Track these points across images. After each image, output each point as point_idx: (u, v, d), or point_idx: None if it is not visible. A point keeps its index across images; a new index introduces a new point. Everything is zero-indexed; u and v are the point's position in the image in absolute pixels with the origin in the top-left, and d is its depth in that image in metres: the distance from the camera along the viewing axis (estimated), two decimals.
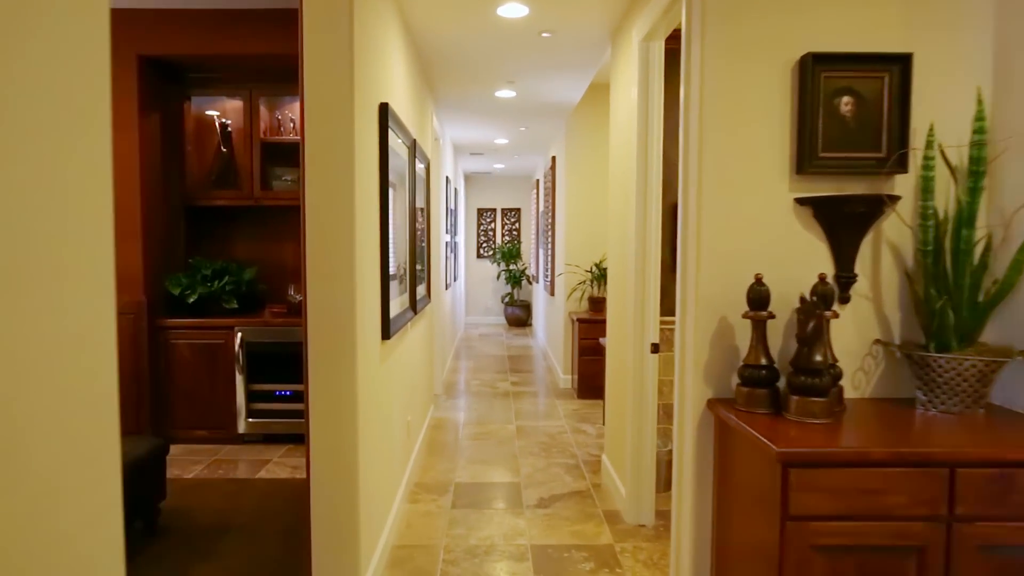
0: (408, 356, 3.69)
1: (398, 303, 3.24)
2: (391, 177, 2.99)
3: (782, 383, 2.08)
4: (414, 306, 3.68)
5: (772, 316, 2.05)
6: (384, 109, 2.72)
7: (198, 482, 3.72)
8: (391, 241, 2.98)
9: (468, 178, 11.63)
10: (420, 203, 4.22)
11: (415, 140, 3.71)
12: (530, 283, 11.31)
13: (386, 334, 2.78)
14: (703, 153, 2.18)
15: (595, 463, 4.17)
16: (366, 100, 2.47)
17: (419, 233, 4.18)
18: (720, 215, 2.18)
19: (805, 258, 2.20)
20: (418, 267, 4.13)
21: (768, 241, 2.19)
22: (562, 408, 5.61)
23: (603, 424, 4.91)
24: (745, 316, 2.07)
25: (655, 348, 3.16)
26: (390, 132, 2.84)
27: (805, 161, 2.15)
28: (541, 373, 7.19)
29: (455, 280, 8.58)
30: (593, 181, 6.29)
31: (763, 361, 2.04)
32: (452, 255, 7.95)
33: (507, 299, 11.40)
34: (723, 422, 2.11)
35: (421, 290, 4.22)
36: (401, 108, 3.35)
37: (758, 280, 2.06)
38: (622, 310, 3.52)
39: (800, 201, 2.18)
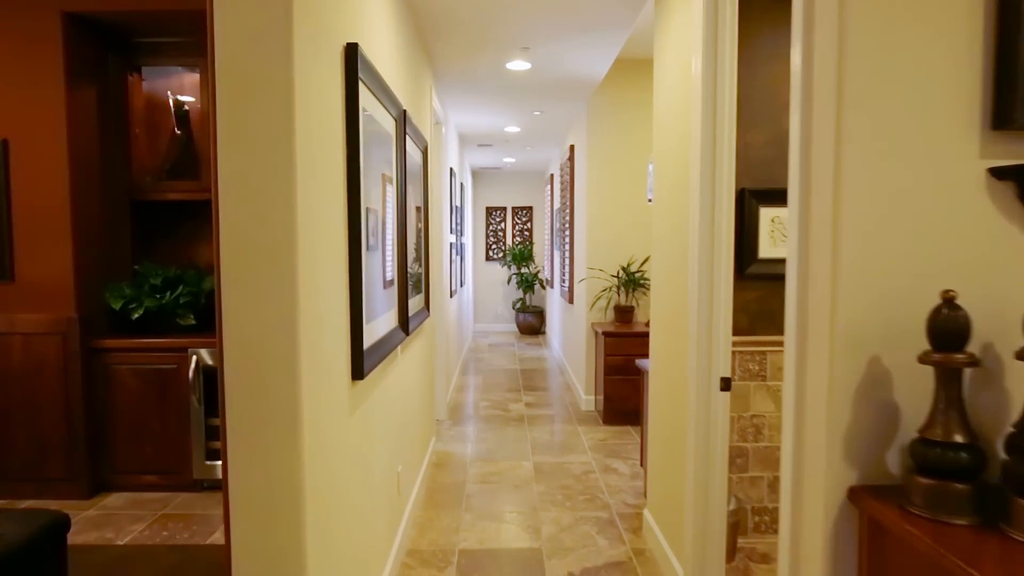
0: (397, 391, 2.90)
1: (383, 323, 2.45)
2: (370, 159, 2.20)
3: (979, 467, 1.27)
4: (406, 325, 2.89)
5: (975, 361, 1.23)
6: (353, 53, 1.93)
7: (131, 551, 2.94)
8: (369, 245, 2.20)
9: (476, 174, 10.84)
10: (415, 195, 3.43)
11: (406, 112, 2.92)
12: (543, 287, 10.50)
13: (359, 372, 1.98)
14: (843, 104, 1.36)
15: (634, 517, 3.36)
16: (319, 37, 1.67)
17: (414, 233, 3.39)
18: (871, 199, 1.37)
19: (1001, 262, 1.38)
20: (413, 275, 3.34)
21: (944, 237, 1.37)
22: (586, 438, 4.79)
23: (639, 463, 4.10)
24: (926, 360, 1.25)
25: (726, 384, 2.35)
26: (363, 90, 2.04)
27: (1012, 109, 1.34)
28: (558, 391, 6.38)
29: (461, 286, 7.79)
30: (619, 172, 5.48)
31: (959, 437, 1.23)
32: (458, 258, 7.16)
33: (519, 305, 10.60)
34: (882, 528, 1.29)
35: (416, 303, 3.43)
36: (384, 62, 2.56)
37: (948, 300, 1.24)
38: (675, 330, 2.70)
39: (998, 173, 1.37)
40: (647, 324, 5.26)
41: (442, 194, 5.24)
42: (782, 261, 2.98)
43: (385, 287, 2.55)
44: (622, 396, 5.07)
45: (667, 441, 2.84)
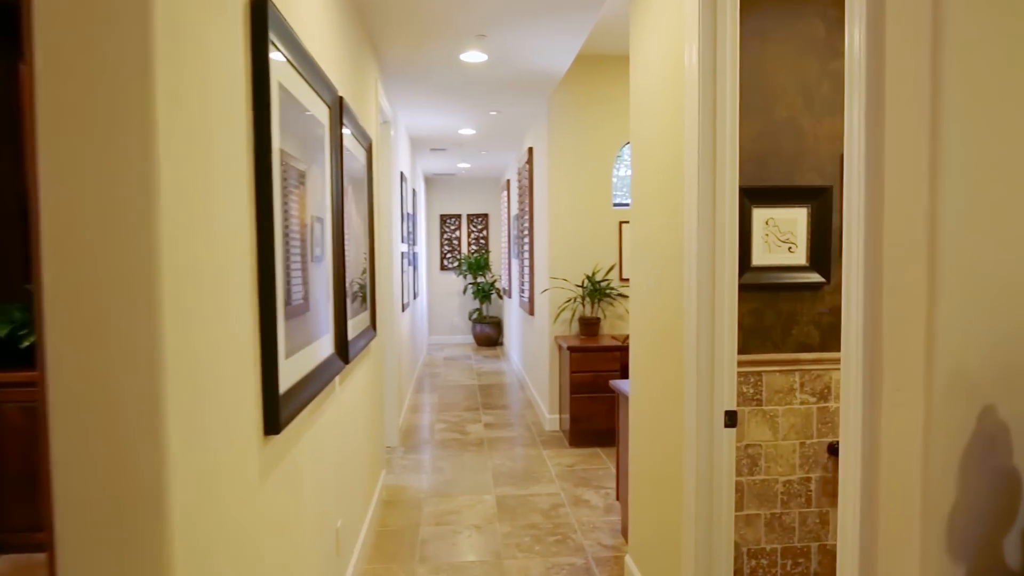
0: (335, 431, 2.42)
1: (315, 352, 1.99)
2: (293, 151, 1.74)
3: None
4: (345, 352, 2.42)
5: None
6: (261, 9, 1.47)
7: None
8: (314, 256, 1.74)
9: (429, 180, 10.37)
10: (359, 199, 2.96)
11: (343, 100, 2.46)
12: (500, 297, 10.08)
13: (274, 425, 1.51)
14: (945, 48, 0.99)
15: (613, 563, 2.95)
16: None
17: (358, 242, 2.93)
18: (995, 196, 0.99)
19: None
20: (358, 291, 2.88)
21: None
22: (552, 464, 4.37)
23: (614, 495, 3.70)
24: None
25: (731, 419, 1.96)
26: (279, 60, 1.58)
27: None
28: (519, 409, 5.95)
29: (415, 298, 7.31)
30: (582, 175, 5.11)
31: None
32: (411, 268, 6.68)
33: (475, 315, 10.14)
34: None
35: (360, 322, 2.96)
36: (312, 35, 2.10)
37: None
38: (663, 350, 2.31)
39: None
40: (615, 337, 4.90)
41: (392, 200, 4.77)
42: (779, 269, 2.63)
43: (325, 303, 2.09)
44: (590, 416, 4.68)
45: (653, 479, 2.45)
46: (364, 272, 3.16)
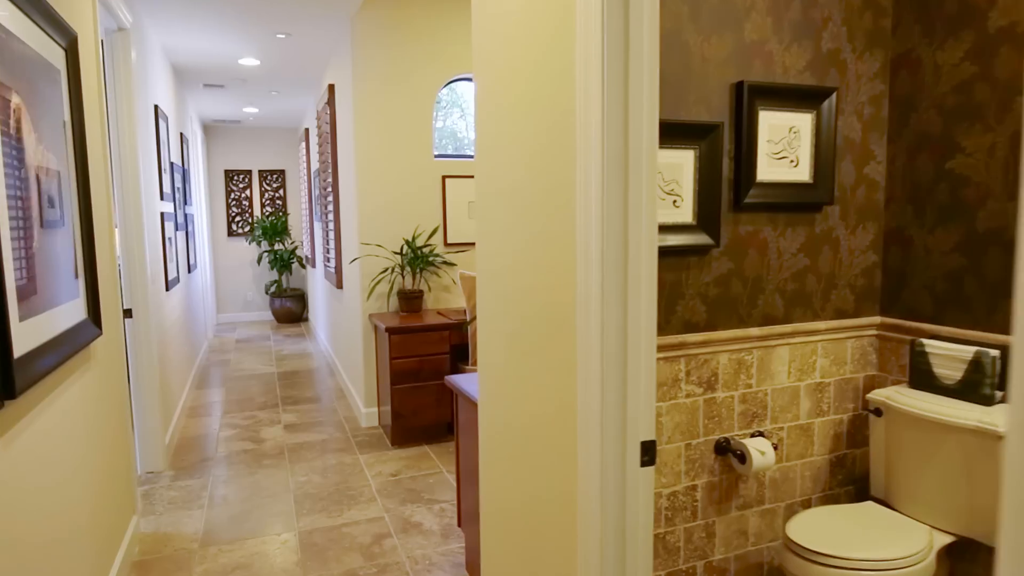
0: None
1: None
2: None
3: None
4: (7, 379, 1.39)
5: None
6: None
7: None
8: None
9: (209, 129, 8.70)
10: (42, 119, 1.86)
11: None
12: (303, 266, 8.86)
13: None
14: None
15: None
16: None
17: (30, 191, 1.84)
18: None
19: None
20: (41, 272, 1.81)
21: None
22: (372, 473, 3.56)
23: (456, 518, 3.00)
24: None
25: (648, 452, 1.32)
26: None
27: None
28: (329, 401, 5.02)
29: (191, 271, 5.94)
30: (397, 119, 4.23)
31: None
32: (180, 234, 5.33)
33: (273, 289, 8.82)
34: None
35: (59, 318, 1.89)
36: None
37: None
38: (540, 352, 1.61)
39: None
40: (442, 313, 4.17)
41: (140, 141, 3.52)
42: (663, 229, 2.04)
43: None
44: (415, 409, 3.93)
45: (526, 526, 1.77)
46: (74, 243, 2.07)
